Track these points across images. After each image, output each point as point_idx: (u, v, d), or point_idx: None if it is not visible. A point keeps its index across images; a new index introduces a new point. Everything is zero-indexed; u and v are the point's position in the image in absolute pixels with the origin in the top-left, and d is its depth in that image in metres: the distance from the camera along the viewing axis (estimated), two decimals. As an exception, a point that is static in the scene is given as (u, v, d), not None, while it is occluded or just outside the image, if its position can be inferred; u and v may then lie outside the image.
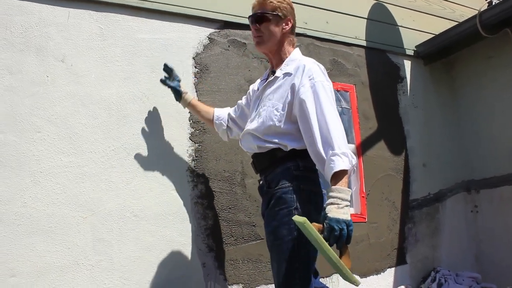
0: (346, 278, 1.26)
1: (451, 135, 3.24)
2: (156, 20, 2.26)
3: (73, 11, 2.06)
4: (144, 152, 2.10)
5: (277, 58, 1.67)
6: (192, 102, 2.07)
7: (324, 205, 1.33)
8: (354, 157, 1.37)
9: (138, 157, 2.08)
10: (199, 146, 2.25)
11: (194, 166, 2.21)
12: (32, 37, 1.95)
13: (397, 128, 3.03)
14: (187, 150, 2.22)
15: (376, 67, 3.02)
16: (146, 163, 2.09)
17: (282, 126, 1.52)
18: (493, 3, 3.05)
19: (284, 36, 1.65)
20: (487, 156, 3.07)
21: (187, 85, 2.28)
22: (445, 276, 2.76)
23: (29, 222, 1.80)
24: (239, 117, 1.96)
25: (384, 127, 2.94)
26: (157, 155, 2.13)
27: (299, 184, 1.47)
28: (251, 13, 1.67)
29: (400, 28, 3.21)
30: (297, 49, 1.69)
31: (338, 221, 1.26)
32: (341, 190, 1.31)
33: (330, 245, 1.25)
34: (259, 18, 1.62)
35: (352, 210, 2.70)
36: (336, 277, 2.45)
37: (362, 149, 2.80)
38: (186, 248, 2.10)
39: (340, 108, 2.77)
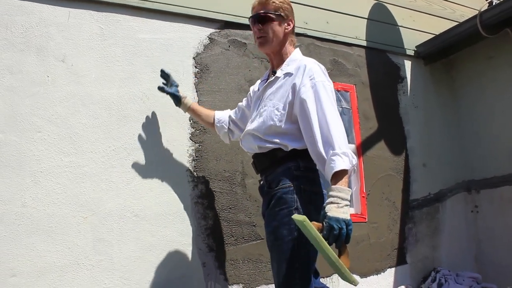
0: (344, 277, 1.26)
1: (452, 135, 3.24)
2: (156, 20, 2.26)
3: (74, 11, 2.06)
4: (145, 152, 2.10)
5: (278, 58, 1.67)
6: (192, 106, 2.06)
7: (324, 204, 1.32)
8: (355, 157, 1.37)
9: (138, 157, 2.08)
10: (199, 146, 2.25)
11: (195, 166, 2.21)
12: (33, 37, 1.95)
13: (398, 128, 3.03)
14: (188, 150, 2.22)
15: (377, 67, 3.02)
16: (146, 163, 2.09)
17: (282, 126, 1.52)
18: (494, 3, 3.05)
19: (286, 36, 1.66)
20: (487, 156, 3.07)
21: (188, 85, 2.28)
22: (445, 276, 2.76)
23: (30, 222, 1.80)
24: (240, 119, 1.96)
25: (384, 127, 2.94)
26: (157, 155, 2.13)
27: (300, 184, 1.47)
28: (251, 14, 1.66)
29: (400, 28, 3.21)
30: (298, 49, 1.70)
31: (337, 220, 1.26)
32: (341, 190, 1.31)
33: (329, 244, 1.25)
34: (263, 18, 1.61)
35: (352, 210, 2.70)
36: (337, 277, 2.45)
37: (362, 149, 2.80)
38: (187, 248, 2.10)
39: (341, 108, 2.77)
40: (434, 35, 3.21)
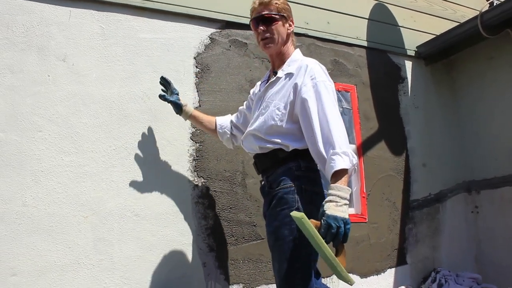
0: (340, 276, 1.26)
1: (452, 136, 3.24)
2: (157, 20, 2.26)
3: (75, 10, 2.06)
4: (145, 152, 2.10)
5: (280, 58, 1.67)
6: (193, 113, 2.03)
7: (323, 203, 1.32)
8: (355, 156, 1.37)
9: (139, 156, 2.08)
10: (200, 146, 2.25)
11: (195, 166, 2.21)
12: (34, 37, 1.95)
13: (398, 128, 3.03)
14: (188, 150, 2.22)
15: (377, 68, 3.02)
16: (147, 162, 2.10)
17: (284, 126, 1.52)
18: (494, 4, 3.05)
19: (288, 37, 1.66)
20: (487, 156, 3.07)
21: (188, 84, 2.28)
22: (445, 277, 2.76)
23: (30, 221, 1.80)
24: (242, 123, 1.95)
25: (385, 128, 2.94)
26: (158, 155, 2.13)
27: (301, 184, 1.47)
28: (253, 15, 1.66)
29: (401, 28, 3.21)
30: (298, 49, 1.70)
31: (335, 218, 1.26)
32: (340, 188, 1.31)
33: (327, 242, 1.25)
34: (267, 19, 1.60)
35: (352, 210, 2.70)
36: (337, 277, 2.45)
37: (362, 149, 2.80)
38: (187, 248, 2.11)
39: (341, 109, 2.77)
40: (435, 36, 3.21)
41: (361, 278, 2.60)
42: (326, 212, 1.28)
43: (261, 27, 1.61)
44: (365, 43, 2.99)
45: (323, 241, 1.24)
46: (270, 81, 1.66)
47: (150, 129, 2.14)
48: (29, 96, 1.89)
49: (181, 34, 2.32)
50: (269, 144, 1.55)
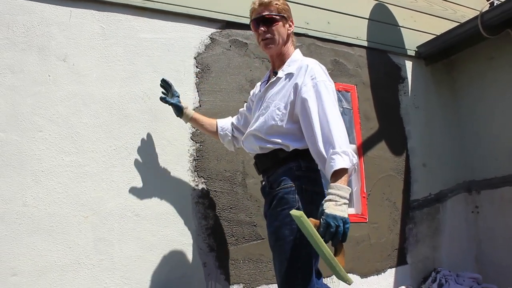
0: (339, 276, 1.25)
1: (452, 136, 3.24)
2: (158, 20, 2.26)
3: (75, 10, 2.06)
4: (146, 152, 2.10)
5: (280, 59, 1.67)
6: (193, 116, 2.03)
7: (322, 202, 1.32)
8: (355, 156, 1.37)
9: (139, 156, 2.08)
10: (200, 146, 2.25)
11: (195, 166, 2.21)
12: (34, 37, 1.95)
13: (398, 128, 3.03)
14: (189, 149, 2.22)
15: (377, 68, 3.02)
16: (147, 162, 2.10)
17: (284, 126, 1.52)
18: (495, 4, 3.05)
19: (288, 37, 1.67)
20: (488, 156, 3.07)
21: (189, 84, 2.28)
22: (445, 277, 2.76)
23: (30, 221, 1.80)
24: (243, 125, 1.95)
25: (385, 128, 2.94)
26: (158, 155, 2.13)
27: (301, 184, 1.47)
28: (253, 16, 1.66)
29: (401, 28, 3.21)
30: (298, 50, 1.70)
31: (335, 217, 1.26)
32: (340, 188, 1.31)
33: (326, 241, 1.25)
34: (268, 20, 1.60)
35: (352, 210, 2.70)
36: (337, 277, 2.45)
37: (363, 149, 2.80)
38: (187, 248, 2.11)
39: (341, 109, 2.77)
40: (435, 36, 3.21)
41: (361, 278, 2.60)
42: (325, 211, 1.28)
43: (262, 28, 1.61)
44: (365, 43, 2.99)
45: (322, 240, 1.24)
46: (270, 81, 1.66)
47: (150, 129, 2.14)
48: (29, 96, 1.89)
49: (182, 34, 2.32)
50: (269, 144, 1.55)
